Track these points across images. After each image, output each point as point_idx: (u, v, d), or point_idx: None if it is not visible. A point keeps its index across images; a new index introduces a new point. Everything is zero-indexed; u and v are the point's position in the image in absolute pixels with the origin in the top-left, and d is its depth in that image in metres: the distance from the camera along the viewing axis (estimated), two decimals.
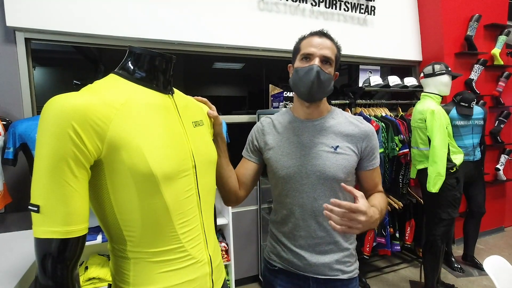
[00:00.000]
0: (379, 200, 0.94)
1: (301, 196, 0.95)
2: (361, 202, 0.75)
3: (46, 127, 0.55)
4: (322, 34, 0.95)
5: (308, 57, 0.93)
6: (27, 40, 1.88)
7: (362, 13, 2.85)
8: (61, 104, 0.55)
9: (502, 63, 3.16)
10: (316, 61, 0.91)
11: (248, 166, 1.05)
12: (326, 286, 0.97)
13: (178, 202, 0.67)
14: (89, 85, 0.66)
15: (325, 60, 0.92)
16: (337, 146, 0.94)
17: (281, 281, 1.02)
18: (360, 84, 2.80)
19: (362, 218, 0.73)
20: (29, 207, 0.55)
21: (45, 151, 0.54)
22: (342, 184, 0.79)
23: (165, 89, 0.75)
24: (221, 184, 0.99)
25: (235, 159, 1.06)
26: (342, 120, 0.99)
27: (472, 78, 3.06)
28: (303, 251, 0.97)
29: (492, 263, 1.25)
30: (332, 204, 0.73)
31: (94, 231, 1.83)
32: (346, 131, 0.96)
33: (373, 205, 0.84)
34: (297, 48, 0.98)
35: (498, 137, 3.24)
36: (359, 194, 0.77)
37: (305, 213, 0.95)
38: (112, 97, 0.62)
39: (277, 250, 1.03)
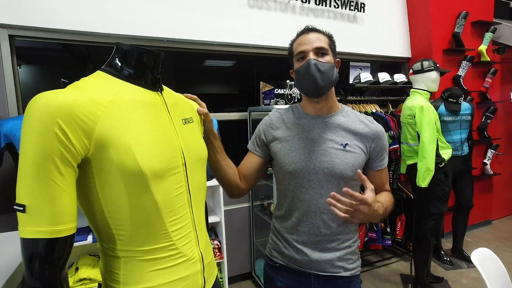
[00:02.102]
0: (385, 199, 0.95)
1: (307, 192, 0.94)
2: (368, 195, 0.77)
3: (30, 125, 0.53)
4: (308, 30, 0.97)
5: (302, 55, 0.94)
6: (11, 37, 1.83)
7: (352, 10, 2.87)
8: (46, 101, 0.54)
9: (488, 59, 3.22)
10: (311, 55, 0.92)
11: (253, 159, 1.05)
12: (328, 283, 0.96)
13: (168, 200, 0.67)
14: (76, 82, 0.64)
15: (318, 51, 0.93)
16: (346, 144, 0.94)
17: (282, 277, 1.01)
18: (351, 81, 2.82)
19: (365, 210, 0.76)
20: (15, 206, 0.54)
21: (30, 149, 0.53)
22: (358, 170, 0.81)
23: (154, 86, 0.74)
24: (219, 179, 1.00)
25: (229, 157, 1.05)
26: (353, 118, 0.99)
27: (459, 74, 3.11)
28: (305, 247, 0.96)
29: (480, 256, 1.27)
30: (344, 192, 0.76)
31: (84, 231, 1.81)
32: (356, 129, 0.96)
33: (379, 202, 0.85)
34: (290, 52, 1.00)
35: (485, 132, 3.30)
36: (370, 186, 0.79)
37: (310, 209, 0.94)
38: (99, 94, 0.61)
39: (279, 246, 1.02)
